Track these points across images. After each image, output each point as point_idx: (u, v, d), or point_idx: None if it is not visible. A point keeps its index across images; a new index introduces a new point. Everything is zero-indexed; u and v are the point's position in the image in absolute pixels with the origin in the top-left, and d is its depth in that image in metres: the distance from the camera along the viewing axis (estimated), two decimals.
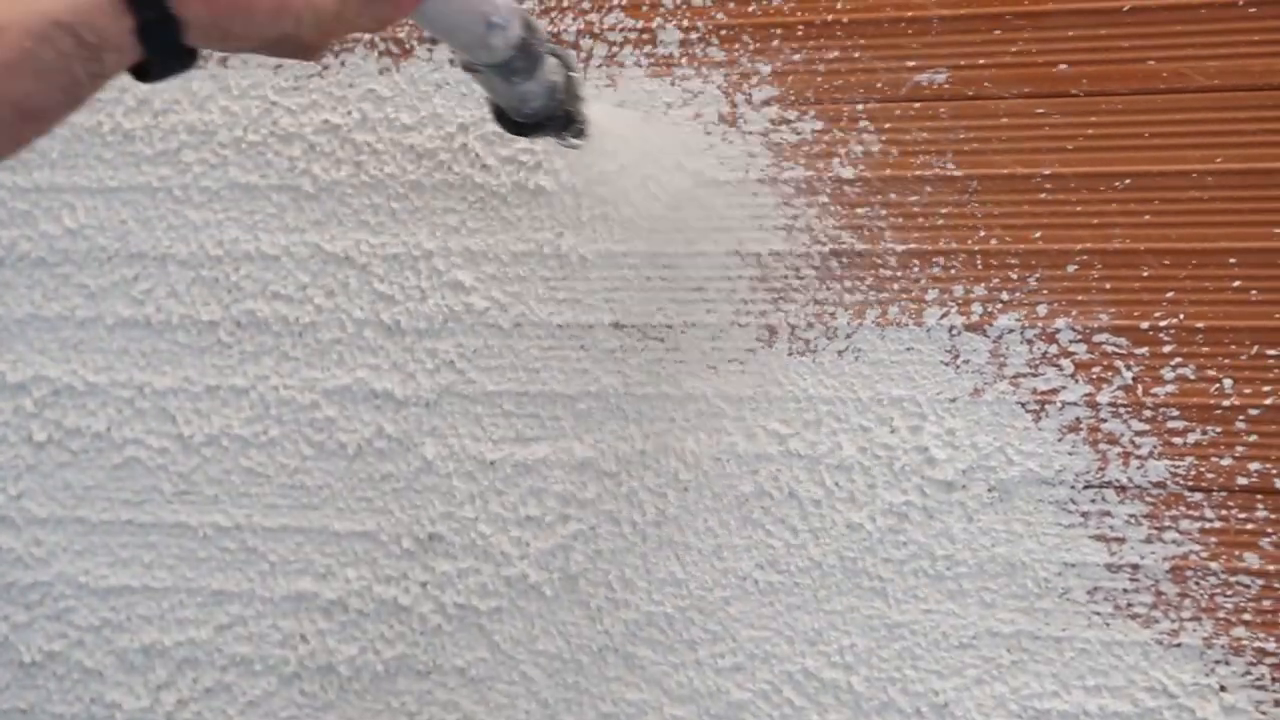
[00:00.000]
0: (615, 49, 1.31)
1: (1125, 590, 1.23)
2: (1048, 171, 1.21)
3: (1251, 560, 1.20)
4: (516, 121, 1.13)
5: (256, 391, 1.41)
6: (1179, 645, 1.22)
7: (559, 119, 1.14)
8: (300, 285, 1.39)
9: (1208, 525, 1.21)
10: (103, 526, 1.46)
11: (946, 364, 1.25)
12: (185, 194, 1.42)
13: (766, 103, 1.27)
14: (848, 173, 1.25)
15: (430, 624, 1.38)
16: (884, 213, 1.25)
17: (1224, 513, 1.21)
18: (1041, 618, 1.25)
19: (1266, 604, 1.20)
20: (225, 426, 1.42)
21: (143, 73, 0.80)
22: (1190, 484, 1.21)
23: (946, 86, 1.23)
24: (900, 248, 1.25)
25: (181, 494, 1.44)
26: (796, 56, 1.27)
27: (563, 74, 1.12)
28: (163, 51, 0.79)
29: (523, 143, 1.33)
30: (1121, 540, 1.23)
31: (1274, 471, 1.19)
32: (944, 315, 1.25)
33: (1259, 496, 1.20)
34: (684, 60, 1.29)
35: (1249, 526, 1.20)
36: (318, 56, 0.87)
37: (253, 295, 1.40)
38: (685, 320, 1.31)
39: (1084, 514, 1.24)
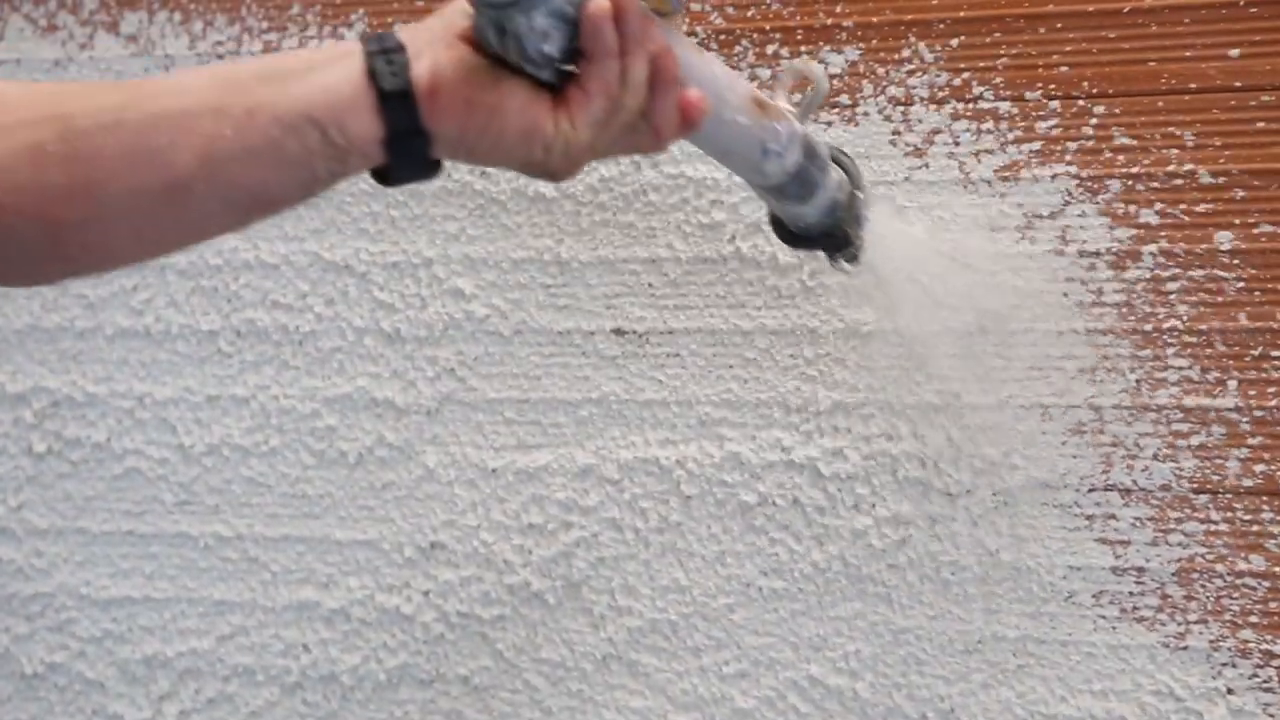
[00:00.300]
0: None
1: (1131, 594, 1.23)
2: None
3: (1258, 562, 1.20)
4: (789, 230, 1.06)
5: (257, 401, 1.40)
6: (1185, 648, 1.22)
7: (835, 238, 1.06)
8: (300, 294, 1.39)
9: (1213, 528, 1.21)
10: (104, 537, 1.45)
11: None
12: None
13: None
14: None
15: (433, 633, 1.37)
16: None
17: (1229, 514, 1.20)
18: (1047, 622, 1.25)
19: (1273, 606, 1.20)
20: (226, 436, 1.41)
21: (382, 175, 0.78)
22: (1195, 487, 1.21)
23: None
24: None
25: (182, 504, 1.43)
26: None
27: (846, 192, 1.04)
28: (408, 162, 0.77)
29: None
30: (1127, 543, 1.23)
31: None
32: None
33: (1264, 498, 1.19)
34: None
35: (1254, 529, 1.20)
36: (566, 180, 0.85)
37: (252, 304, 1.40)
38: (687, 326, 1.31)
39: (1089, 517, 1.24)
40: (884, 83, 1.24)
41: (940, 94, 1.23)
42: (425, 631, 1.37)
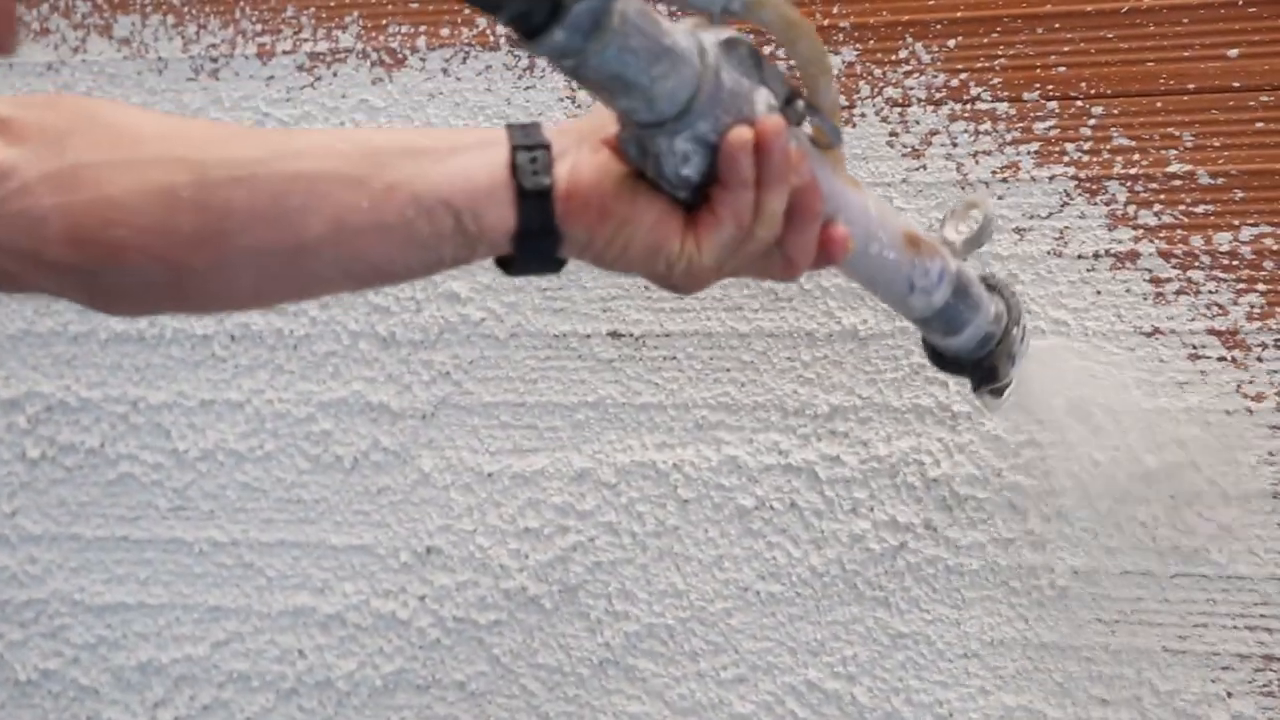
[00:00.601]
0: None
1: (1132, 598, 1.22)
2: None
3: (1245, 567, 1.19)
4: (936, 350, 1.01)
5: (251, 405, 1.40)
6: (1185, 652, 1.21)
7: (982, 370, 1.01)
8: None
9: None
10: (98, 543, 1.45)
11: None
12: None
13: None
14: None
15: (429, 638, 1.37)
16: None
17: None
18: (1047, 625, 1.24)
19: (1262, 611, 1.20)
20: (220, 441, 1.41)
21: (505, 263, 0.78)
22: None
23: None
24: None
25: (177, 509, 1.43)
26: None
27: (1001, 326, 0.99)
28: (534, 257, 0.77)
29: None
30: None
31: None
32: None
33: None
34: None
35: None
36: (692, 293, 0.84)
37: None
38: (684, 329, 1.30)
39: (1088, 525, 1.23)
40: (881, 84, 1.24)
41: (937, 95, 1.22)
42: (421, 637, 1.37)
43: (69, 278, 0.73)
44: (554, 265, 0.78)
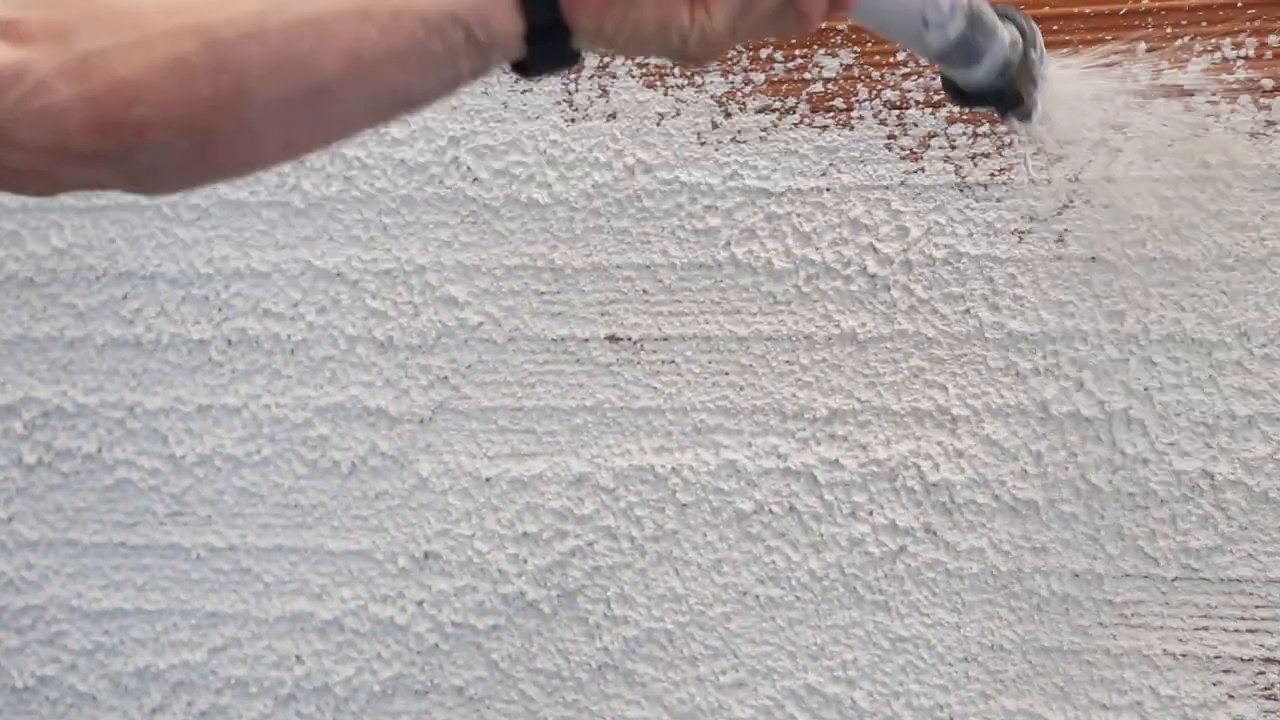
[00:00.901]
0: (607, 59, 1.30)
1: (1133, 601, 1.22)
2: None
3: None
4: (957, 87, 1.03)
5: (249, 410, 1.39)
6: (1186, 655, 1.21)
7: (1006, 97, 1.03)
8: (291, 302, 1.38)
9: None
10: (95, 549, 1.44)
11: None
12: (174, 211, 1.40)
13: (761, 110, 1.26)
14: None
15: (427, 643, 1.36)
16: None
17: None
18: (1046, 629, 1.24)
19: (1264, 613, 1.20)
20: (218, 446, 1.40)
21: (522, 68, 0.79)
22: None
23: None
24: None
25: (174, 515, 1.42)
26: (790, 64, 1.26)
27: (1018, 53, 1.01)
28: (548, 55, 0.78)
29: (515, 155, 1.32)
30: (1128, 535, 1.22)
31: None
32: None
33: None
34: (676, 70, 1.28)
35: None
36: (706, 66, 0.85)
37: (244, 313, 1.39)
38: (682, 333, 1.30)
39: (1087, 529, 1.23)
40: (879, 86, 1.24)
41: (936, 97, 1.22)
42: (419, 642, 1.36)
43: (99, 165, 0.74)
44: (570, 59, 0.79)
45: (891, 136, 1.24)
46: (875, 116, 1.24)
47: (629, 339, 1.32)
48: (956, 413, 1.25)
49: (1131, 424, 1.22)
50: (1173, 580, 1.22)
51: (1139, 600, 1.22)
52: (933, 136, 1.23)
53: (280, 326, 1.38)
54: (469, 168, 1.33)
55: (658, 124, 1.29)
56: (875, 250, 1.25)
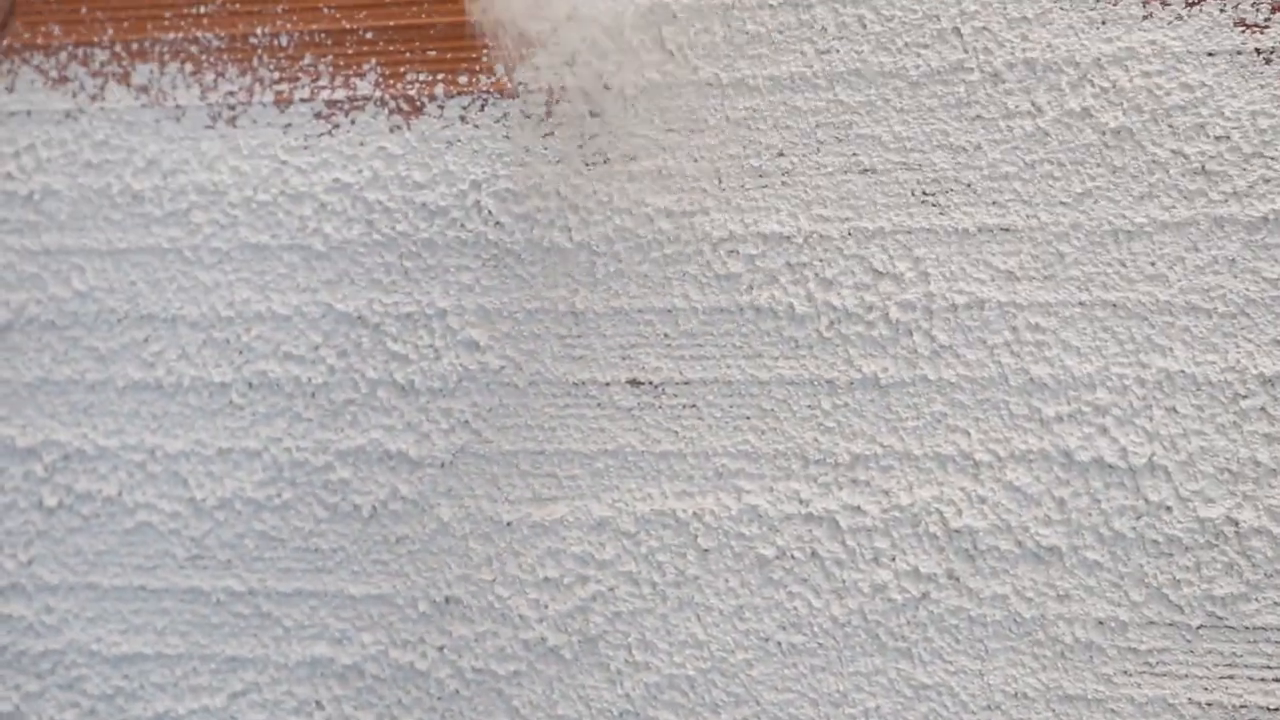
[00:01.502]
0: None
1: (1158, 649, 1.21)
2: None
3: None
4: None
5: (269, 454, 1.39)
6: (1211, 704, 1.20)
7: None
8: (312, 345, 1.38)
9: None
10: (114, 592, 1.44)
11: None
12: (195, 255, 1.41)
13: None
14: None
15: (448, 689, 1.36)
16: None
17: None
18: (1071, 677, 1.23)
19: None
20: (238, 490, 1.40)
21: None
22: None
23: None
24: None
25: (194, 559, 1.42)
26: None
27: None
28: None
29: (536, 199, 1.32)
30: (1154, 594, 1.21)
31: None
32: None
33: None
34: None
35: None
36: None
37: (264, 356, 1.39)
38: (704, 377, 1.30)
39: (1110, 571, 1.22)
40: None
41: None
42: (440, 688, 1.36)
43: None
44: None
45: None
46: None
47: (650, 383, 1.32)
48: (979, 458, 1.24)
49: (1155, 470, 1.22)
50: (1198, 628, 1.21)
51: (1164, 648, 1.22)
52: (953, 182, 1.23)
53: (301, 370, 1.38)
54: (490, 211, 1.33)
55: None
56: (897, 296, 1.25)
